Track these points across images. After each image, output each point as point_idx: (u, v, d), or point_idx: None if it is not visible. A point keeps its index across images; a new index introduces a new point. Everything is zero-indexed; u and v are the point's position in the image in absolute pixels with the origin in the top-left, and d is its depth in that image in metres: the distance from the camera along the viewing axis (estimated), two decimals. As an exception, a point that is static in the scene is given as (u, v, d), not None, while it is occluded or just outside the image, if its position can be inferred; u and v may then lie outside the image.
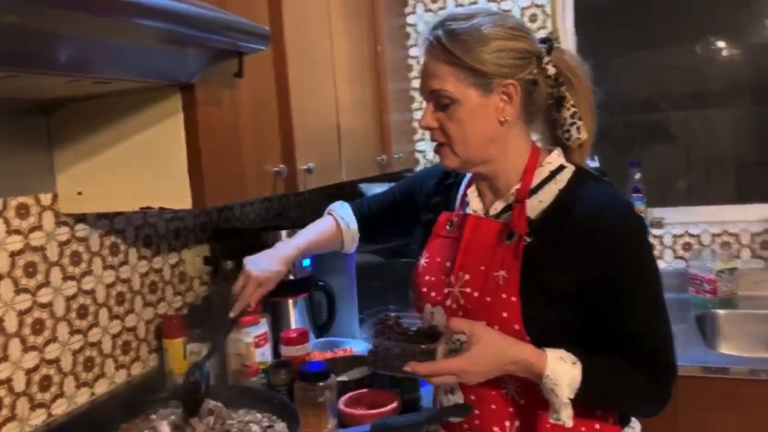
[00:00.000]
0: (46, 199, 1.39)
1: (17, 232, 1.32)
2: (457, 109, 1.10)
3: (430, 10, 2.69)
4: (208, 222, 1.92)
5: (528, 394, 1.10)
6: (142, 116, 1.30)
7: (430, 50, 1.12)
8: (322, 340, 1.88)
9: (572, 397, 1.02)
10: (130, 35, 0.98)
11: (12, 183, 1.31)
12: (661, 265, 2.38)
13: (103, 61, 1.02)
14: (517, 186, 1.14)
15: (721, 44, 2.56)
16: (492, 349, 1.04)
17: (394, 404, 1.42)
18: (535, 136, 1.19)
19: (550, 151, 1.16)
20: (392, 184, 2.36)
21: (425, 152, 2.75)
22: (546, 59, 1.11)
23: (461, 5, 2.65)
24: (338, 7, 1.96)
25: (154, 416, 1.33)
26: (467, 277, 1.14)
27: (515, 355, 1.04)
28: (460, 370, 1.05)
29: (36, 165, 1.37)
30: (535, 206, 1.11)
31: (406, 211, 1.39)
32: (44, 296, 1.38)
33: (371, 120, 2.24)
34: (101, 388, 1.52)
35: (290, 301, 1.81)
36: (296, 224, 1.87)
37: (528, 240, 1.09)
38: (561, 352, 1.04)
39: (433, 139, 1.17)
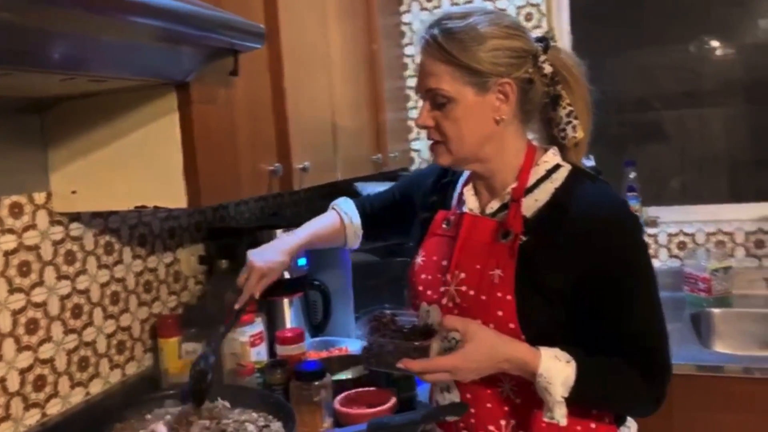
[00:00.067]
0: (40, 197, 1.38)
1: (11, 231, 1.32)
2: (454, 108, 1.10)
3: (425, 9, 2.69)
4: (203, 221, 1.91)
5: (524, 392, 1.10)
6: (137, 115, 1.30)
7: (427, 49, 1.12)
8: (317, 339, 1.88)
9: (566, 395, 1.02)
10: (126, 33, 0.98)
11: (5, 181, 1.31)
12: (656, 263, 2.38)
13: (98, 59, 1.01)
14: (513, 185, 1.14)
15: (714, 44, 2.56)
16: (485, 346, 1.04)
17: (391, 403, 1.42)
18: (531, 135, 1.19)
19: (546, 150, 1.16)
20: (387, 183, 2.37)
21: (420, 151, 2.75)
22: (542, 58, 1.11)
23: (457, 4, 2.65)
24: (333, 6, 1.96)
25: (149, 416, 1.33)
26: (463, 275, 1.14)
27: (509, 353, 1.04)
28: (454, 367, 1.05)
29: (30, 163, 1.37)
30: (530, 205, 1.11)
31: (405, 210, 1.39)
32: (38, 296, 1.37)
33: (366, 119, 2.23)
34: (96, 387, 1.51)
35: (286, 301, 1.81)
36: (291, 223, 1.86)
37: (524, 239, 1.09)
38: (555, 351, 1.04)
39: (429, 138, 1.17)
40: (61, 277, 1.42)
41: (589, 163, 1.21)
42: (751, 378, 1.73)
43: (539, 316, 1.07)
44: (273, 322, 1.78)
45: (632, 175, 2.40)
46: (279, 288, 1.53)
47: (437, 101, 1.11)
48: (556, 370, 1.02)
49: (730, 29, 2.54)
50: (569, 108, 1.13)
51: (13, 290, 1.31)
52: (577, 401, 1.04)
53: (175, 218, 1.79)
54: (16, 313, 1.32)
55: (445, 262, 1.19)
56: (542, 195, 1.11)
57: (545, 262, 1.07)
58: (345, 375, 1.59)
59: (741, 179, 2.57)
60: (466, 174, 1.25)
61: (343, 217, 1.48)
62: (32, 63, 0.92)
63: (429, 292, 1.20)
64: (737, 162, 2.58)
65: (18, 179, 1.34)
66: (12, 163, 1.33)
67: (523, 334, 1.06)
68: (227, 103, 1.40)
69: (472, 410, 1.14)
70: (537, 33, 1.16)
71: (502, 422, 1.13)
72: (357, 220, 1.48)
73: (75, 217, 1.46)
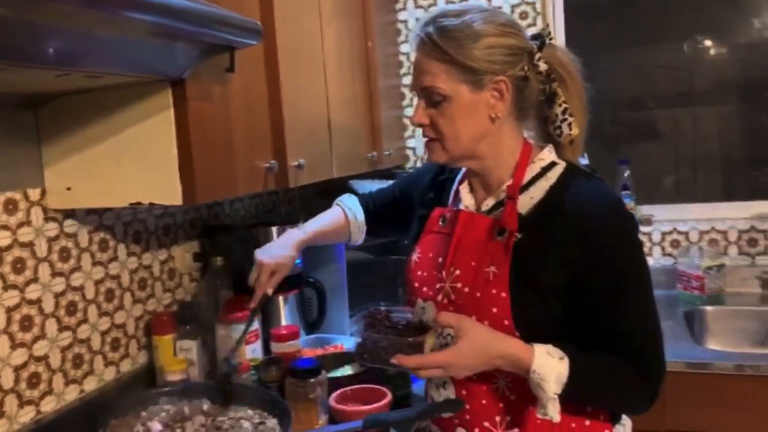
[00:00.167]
0: (34, 194, 1.37)
1: (5, 227, 1.31)
2: (449, 106, 1.10)
3: (420, 7, 2.69)
4: (198, 218, 1.91)
5: (518, 389, 1.11)
6: (133, 111, 1.29)
7: (422, 47, 1.12)
8: (312, 336, 1.88)
9: (559, 392, 1.03)
10: (121, 29, 0.98)
11: (0, 178, 1.30)
12: (650, 261, 2.38)
13: (94, 55, 1.01)
14: (509, 182, 1.14)
15: (708, 43, 2.58)
16: (479, 342, 1.05)
17: (386, 400, 1.42)
18: (527, 133, 1.20)
19: (542, 148, 1.16)
20: (382, 181, 2.38)
21: (416, 149, 2.75)
22: (537, 55, 1.11)
23: (452, 2, 2.65)
24: (329, 3, 1.96)
25: (144, 413, 1.32)
26: (458, 272, 1.15)
27: (502, 349, 1.05)
28: (447, 363, 1.05)
29: (24, 160, 1.36)
30: (526, 202, 1.12)
31: (405, 207, 1.40)
32: (33, 292, 1.36)
33: (362, 116, 2.23)
34: (90, 385, 1.51)
35: (281, 298, 1.81)
36: (286, 221, 1.87)
37: (519, 236, 1.09)
38: (548, 347, 1.05)
39: (424, 136, 1.17)
40: (55, 273, 1.42)
41: (583, 161, 1.21)
42: (744, 375, 1.74)
43: (533, 313, 1.08)
44: (268, 319, 1.78)
45: (626, 173, 2.41)
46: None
47: (432, 99, 1.11)
48: (549, 366, 1.03)
49: (723, 28, 2.55)
50: (564, 105, 1.14)
51: (7, 287, 1.31)
52: (570, 398, 1.05)
53: (170, 215, 1.79)
54: (10, 310, 1.31)
55: (440, 259, 1.19)
56: (537, 192, 1.12)
57: (540, 259, 1.07)
58: (340, 372, 1.59)
59: (734, 178, 2.58)
60: (463, 171, 1.26)
61: (347, 213, 1.50)
62: (28, 58, 0.91)
63: (424, 289, 1.21)
64: (731, 161, 2.59)
65: (12, 175, 1.33)
66: (6, 159, 1.32)
67: (518, 331, 1.07)
68: (223, 100, 1.39)
69: (467, 406, 1.15)
70: (532, 31, 1.16)
71: (497, 418, 1.13)
72: (361, 216, 1.51)
73: (69, 213, 1.45)
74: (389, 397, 1.44)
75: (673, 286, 2.34)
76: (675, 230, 2.45)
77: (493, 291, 1.09)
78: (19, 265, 1.33)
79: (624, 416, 1.21)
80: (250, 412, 1.30)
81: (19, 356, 1.33)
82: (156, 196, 1.31)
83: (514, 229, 1.09)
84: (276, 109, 1.61)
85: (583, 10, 2.58)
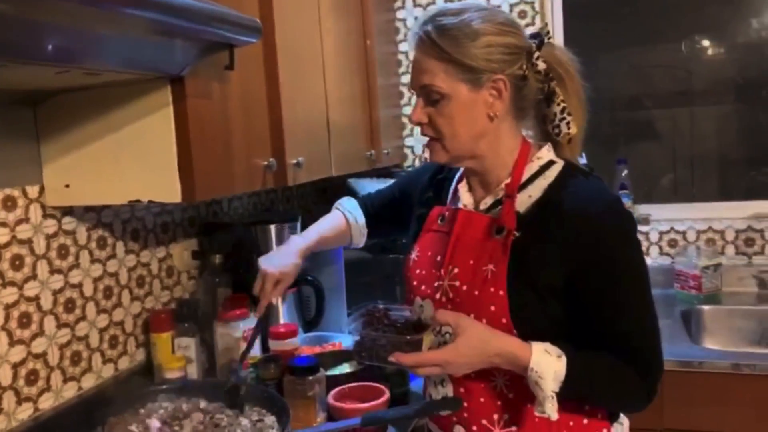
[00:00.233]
0: (33, 191, 1.38)
1: (3, 224, 1.31)
2: (447, 104, 1.10)
3: (419, 6, 2.70)
4: (196, 216, 1.91)
5: (517, 387, 1.11)
6: (132, 108, 1.30)
7: (420, 45, 1.12)
8: (310, 334, 1.88)
9: (557, 390, 1.03)
10: (121, 26, 0.98)
11: (-2, 175, 1.31)
12: (647, 261, 2.39)
13: (94, 52, 1.01)
14: (507, 181, 1.14)
15: (706, 43, 2.58)
16: (476, 340, 1.05)
17: (384, 398, 1.42)
18: (525, 132, 1.20)
19: (540, 147, 1.17)
20: (380, 179, 2.38)
21: (414, 147, 2.75)
22: (536, 55, 1.11)
23: (451, 0, 2.65)
24: (328, 2, 1.96)
25: (142, 410, 1.32)
26: (456, 270, 1.15)
27: (500, 347, 1.05)
28: (445, 361, 1.05)
29: (23, 157, 1.36)
30: (524, 201, 1.12)
31: (405, 207, 1.39)
32: (31, 289, 1.37)
33: (360, 115, 2.24)
34: (88, 382, 1.51)
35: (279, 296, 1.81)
36: (284, 219, 1.87)
37: (517, 234, 1.09)
38: (546, 345, 1.05)
39: (423, 134, 1.17)
40: (53, 271, 1.42)
41: (582, 161, 1.22)
42: (740, 374, 1.75)
43: (531, 312, 1.08)
44: (266, 317, 1.78)
45: (624, 173, 2.41)
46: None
47: (431, 98, 1.11)
48: (547, 364, 1.03)
49: (722, 28, 2.55)
50: (563, 104, 1.14)
51: (5, 284, 1.31)
52: (567, 396, 1.05)
53: (168, 213, 1.79)
54: (8, 307, 1.31)
55: (439, 258, 1.19)
56: (536, 191, 1.12)
57: (538, 257, 1.07)
58: (338, 370, 1.60)
59: (732, 178, 2.59)
60: (461, 170, 1.26)
61: (348, 216, 1.49)
62: (27, 55, 0.91)
63: (423, 287, 1.21)
64: (728, 161, 2.60)
65: (11, 172, 1.33)
66: (5, 156, 1.32)
67: (516, 329, 1.07)
68: (222, 97, 1.39)
69: (465, 404, 1.15)
70: (530, 30, 1.16)
71: (495, 416, 1.13)
72: (362, 219, 1.50)
73: (68, 210, 1.45)
74: (387, 394, 1.44)
75: (671, 285, 2.35)
76: (672, 230, 2.45)
77: (491, 289, 1.09)
78: (17, 262, 1.34)
79: (622, 415, 1.21)
80: (248, 409, 1.30)
81: (18, 353, 1.33)
82: (155, 193, 1.31)
83: (512, 228, 1.09)
84: (275, 107, 1.61)
85: (581, 9, 2.59)
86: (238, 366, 1.34)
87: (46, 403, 1.40)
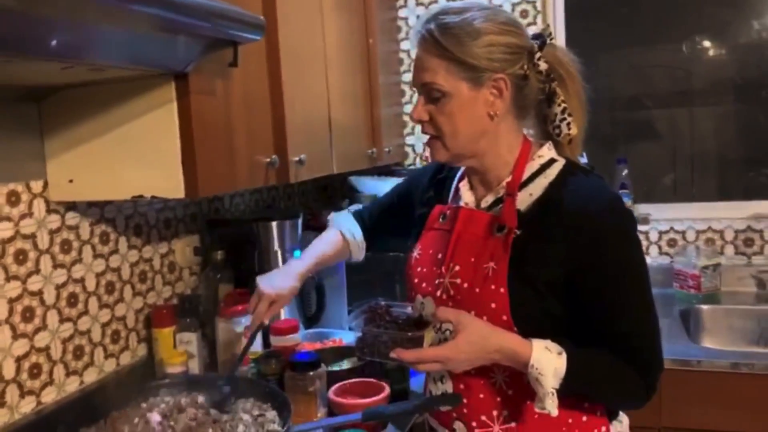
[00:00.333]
0: (36, 186, 1.38)
1: (7, 219, 1.32)
2: (448, 103, 1.11)
3: (421, 4, 2.70)
4: (199, 212, 1.92)
5: (516, 384, 1.12)
6: (135, 105, 1.30)
7: (422, 43, 1.13)
8: (311, 330, 1.89)
9: (557, 386, 1.04)
10: (126, 22, 0.98)
11: (3, 169, 1.31)
12: (647, 260, 2.41)
13: (99, 48, 1.02)
14: (508, 179, 1.15)
15: (707, 43, 2.59)
16: (476, 337, 1.05)
17: (384, 393, 1.43)
18: (526, 131, 1.21)
19: (541, 145, 1.17)
20: (381, 177, 2.38)
21: (415, 146, 2.76)
22: (538, 55, 1.12)
23: None
24: (331, 0, 1.97)
25: (144, 404, 1.33)
26: (457, 268, 1.15)
27: (500, 343, 1.05)
28: (445, 357, 1.06)
29: (27, 152, 1.37)
30: (525, 199, 1.13)
31: (404, 214, 1.39)
32: (34, 284, 1.37)
33: (362, 113, 2.24)
34: (90, 376, 1.52)
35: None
36: (286, 216, 1.88)
37: (518, 232, 1.10)
38: (547, 342, 1.06)
39: (423, 132, 1.18)
40: (57, 265, 1.43)
41: (582, 160, 1.22)
42: (739, 373, 1.76)
43: (532, 309, 1.08)
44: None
45: (624, 172, 2.42)
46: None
47: (432, 95, 1.12)
48: (548, 361, 1.03)
49: (722, 29, 2.56)
50: (564, 105, 1.14)
51: (9, 278, 1.32)
52: (567, 392, 1.05)
53: (170, 209, 1.79)
54: (12, 301, 1.32)
55: (440, 255, 1.20)
56: (536, 189, 1.13)
57: (538, 255, 1.08)
58: (339, 366, 1.60)
59: (731, 178, 2.60)
60: (462, 169, 1.26)
61: (345, 233, 1.49)
62: (33, 50, 0.92)
63: (424, 285, 1.22)
64: (728, 161, 2.61)
65: (15, 167, 1.34)
66: (10, 151, 1.33)
67: (516, 327, 1.08)
68: (225, 94, 1.40)
69: (465, 400, 1.16)
70: (532, 30, 1.17)
71: (494, 413, 1.14)
72: (359, 234, 1.50)
73: (71, 206, 1.46)
74: (387, 390, 1.45)
75: (670, 284, 2.36)
76: (672, 229, 2.46)
77: (492, 287, 1.10)
78: (21, 257, 1.34)
79: (621, 412, 1.22)
80: (249, 404, 1.31)
81: (21, 347, 1.34)
82: (158, 189, 1.32)
83: (513, 226, 1.10)
84: (277, 104, 1.62)
85: (583, 9, 2.59)
86: (231, 374, 1.33)
87: (49, 396, 1.41)
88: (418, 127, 1.19)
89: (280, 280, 1.38)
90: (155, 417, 1.27)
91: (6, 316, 1.31)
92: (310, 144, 1.78)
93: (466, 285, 1.13)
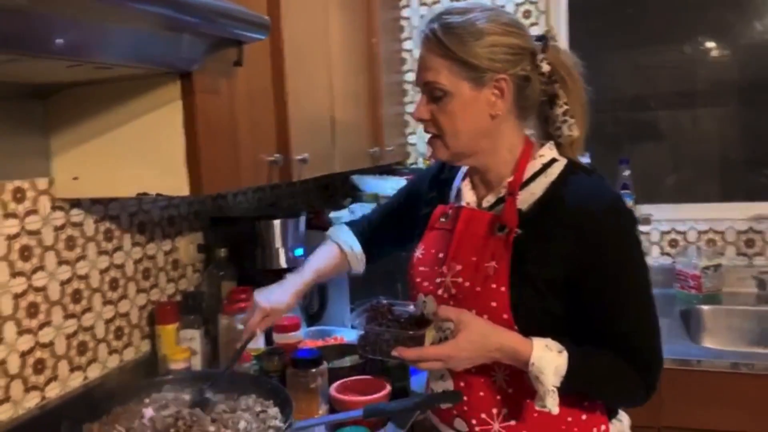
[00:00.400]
0: (42, 183, 1.39)
1: (13, 215, 1.33)
2: (450, 102, 1.12)
3: (424, 4, 2.70)
4: (202, 210, 1.93)
5: (516, 382, 1.12)
6: (140, 103, 1.31)
7: (426, 43, 1.13)
8: (313, 328, 1.90)
9: (557, 385, 1.04)
10: (132, 21, 0.99)
11: (8, 167, 1.32)
12: (648, 261, 2.40)
13: (105, 46, 1.03)
14: (510, 179, 1.15)
15: (710, 44, 2.59)
16: (477, 335, 1.06)
17: (385, 391, 1.44)
18: (528, 131, 1.21)
19: (543, 145, 1.18)
20: (383, 176, 2.39)
21: (417, 145, 2.76)
22: (540, 56, 1.12)
23: (456, -1, 2.66)
24: (335, 0, 1.98)
25: (147, 400, 1.34)
26: (459, 267, 1.16)
27: (500, 342, 1.06)
28: (446, 356, 1.07)
29: (33, 149, 1.38)
30: (526, 198, 1.13)
31: (407, 219, 1.38)
32: (39, 280, 1.39)
33: (365, 112, 2.25)
34: (94, 372, 1.53)
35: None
36: (288, 214, 1.89)
37: (519, 232, 1.10)
38: (547, 341, 1.06)
39: (425, 131, 1.18)
40: (61, 262, 1.44)
41: (585, 160, 1.23)
42: (739, 373, 1.76)
43: (532, 308, 1.09)
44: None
45: (626, 172, 2.42)
46: (277, 279, 1.55)
47: (434, 95, 1.13)
48: (548, 359, 1.04)
49: (725, 30, 2.56)
50: (566, 107, 1.15)
51: (14, 274, 1.33)
52: (568, 390, 1.06)
53: (174, 207, 1.81)
54: (17, 297, 1.33)
55: (442, 255, 1.21)
56: (538, 188, 1.13)
57: (539, 255, 1.09)
58: (340, 363, 1.61)
59: (733, 179, 2.60)
60: (464, 169, 1.27)
61: (342, 246, 1.48)
62: (40, 49, 0.93)
63: (426, 284, 1.22)
64: (730, 162, 2.61)
65: (21, 164, 1.35)
66: (15, 148, 1.34)
67: (516, 325, 1.08)
68: (229, 93, 1.41)
69: (466, 398, 1.17)
70: (535, 30, 1.18)
71: (494, 410, 1.15)
72: (357, 246, 1.48)
73: (76, 203, 1.47)
74: (388, 388, 1.46)
75: (671, 285, 2.36)
76: (673, 230, 2.47)
77: (493, 286, 1.10)
78: (26, 253, 1.36)
79: (622, 412, 1.22)
80: (251, 400, 1.32)
81: (25, 342, 1.36)
82: (163, 186, 1.33)
83: (513, 225, 1.10)
84: (281, 103, 1.63)
85: (586, 9, 2.60)
86: (205, 389, 1.31)
87: (53, 391, 1.42)
88: (421, 127, 1.20)
89: (276, 295, 1.38)
90: (149, 413, 1.27)
91: (11, 312, 1.32)
92: (313, 143, 1.79)
93: (467, 284, 1.14)
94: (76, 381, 1.48)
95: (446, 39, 1.10)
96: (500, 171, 1.17)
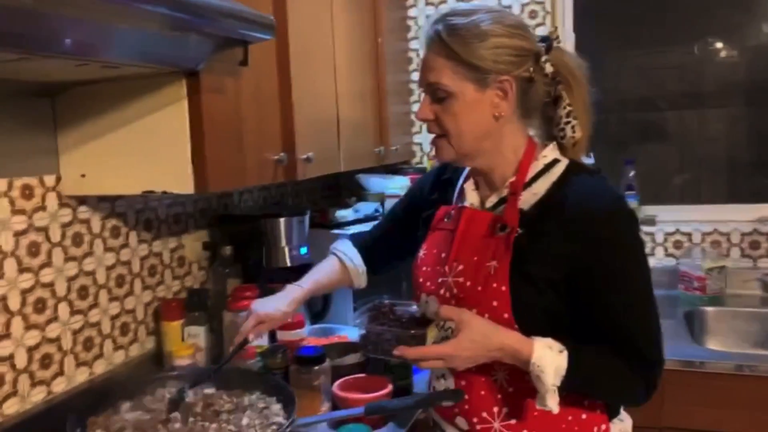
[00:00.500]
0: (50, 180, 1.41)
1: (21, 212, 1.35)
2: (453, 103, 1.12)
3: (431, 4, 2.71)
4: (208, 208, 1.94)
5: (517, 381, 1.13)
6: (147, 101, 1.33)
7: (430, 44, 1.14)
8: (317, 326, 1.91)
9: (558, 384, 1.05)
10: (139, 21, 1.01)
11: (17, 164, 1.34)
12: (652, 262, 2.39)
13: (112, 45, 1.04)
14: (512, 179, 1.16)
15: (718, 45, 2.58)
16: (478, 335, 1.07)
17: (387, 389, 1.45)
18: (533, 132, 1.22)
19: (545, 146, 1.18)
20: (388, 176, 2.40)
21: (422, 145, 2.77)
22: (544, 58, 1.13)
23: (462, 0, 2.66)
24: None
25: (151, 396, 1.35)
26: (460, 267, 1.17)
27: (501, 341, 1.07)
28: (447, 355, 1.07)
29: (41, 147, 1.40)
30: (528, 199, 1.14)
31: (412, 224, 1.38)
32: (46, 276, 1.40)
33: (370, 111, 2.26)
34: (100, 368, 1.55)
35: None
36: (293, 213, 1.90)
37: (520, 231, 1.11)
38: (548, 341, 1.07)
39: (429, 131, 1.19)
40: (68, 258, 1.46)
41: (589, 160, 1.23)
42: (741, 375, 1.76)
43: (533, 307, 1.10)
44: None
45: (631, 173, 2.42)
46: (281, 277, 1.57)
47: (437, 95, 1.13)
48: (549, 358, 1.05)
49: (733, 31, 2.55)
50: (569, 108, 1.15)
51: (22, 270, 1.35)
52: (568, 390, 1.07)
53: (180, 204, 1.82)
54: (24, 292, 1.35)
55: (444, 255, 1.21)
56: (540, 189, 1.14)
57: (540, 254, 1.09)
58: (343, 361, 1.62)
59: (739, 180, 2.59)
60: (466, 170, 1.28)
61: (343, 259, 1.49)
62: (49, 48, 0.95)
63: (428, 284, 1.23)
64: (736, 163, 2.60)
65: (29, 162, 1.37)
66: (24, 146, 1.36)
67: (517, 324, 1.09)
68: (235, 92, 1.42)
69: (467, 397, 1.17)
70: (541, 30, 1.18)
71: (495, 409, 1.15)
72: (358, 260, 1.49)
73: (83, 200, 1.49)
74: (390, 386, 1.47)
75: (675, 286, 2.36)
76: (678, 231, 2.46)
77: (494, 285, 1.11)
78: (33, 249, 1.37)
79: (624, 412, 1.23)
80: (254, 396, 1.33)
81: (32, 338, 1.37)
82: (169, 184, 1.35)
83: (514, 225, 1.11)
84: (286, 102, 1.64)
85: (592, 10, 2.59)
86: (185, 388, 1.31)
87: (59, 386, 1.44)
88: (426, 126, 1.21)
89: (273, 303, 1.40)
90: (128, 416, 1.27)
91: (19, 307, 1.34)
92: (318, 142, 1.80)
93: (468, 284, 1.15)
94: (82, 376, 1.49)
95: (450, 40, 1.11)
96: (503, 171, 1.18)
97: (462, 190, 1.26)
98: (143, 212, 1.68)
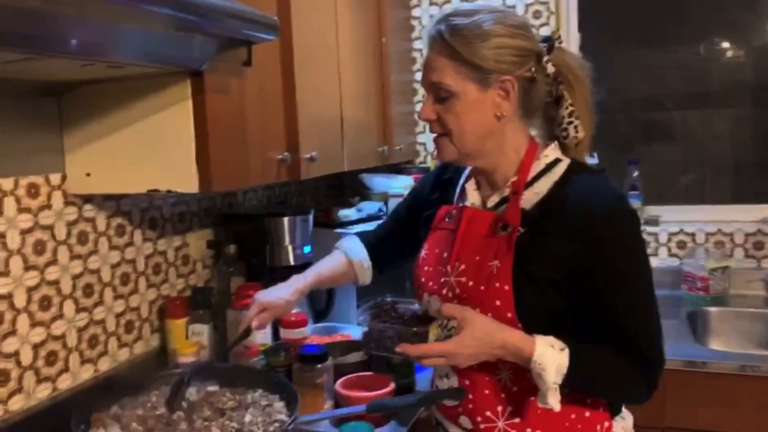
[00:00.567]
0: (55, 179, 1.42)
1: (27, 210, 1.36)
2: (455, 103, 1.13)
3: (435, 4, 2.71)
4: (212, 207, 1.95)
5: (520, 381, 1.13)
6: (152, 101, 1.34)
7: (432, 44, 1.15)
8: (320, 325, 1.92)
9: (559, 382, 1.05)
10: (143, 21, 1.02)
11: (23, 163, 1.35)
12: (655, 262, 2.41)
13: (117, 46, 1.05)
14: (514, 179, 1.16)
15: (724, 45, 2.57)
16: (480, 332, 1.07)
17: (389, 387, 1.45)
18: (535, 132, 1.22)
19: (547, 145, 1.18)
20: (392, 175, 2.40)
21: (426, 144, 2.78)
22: (545, 58, 1.13)
23: (466, 0, 2.67)
24: (345, -1, 1.99)
25: (156, 393, 1.36)
26: (463, 266, 1.17)
27: (503, 339, 1.07)
28: (449, 352, 1.08)
29: (46, 146, 1.41)
30: (530, 198, 1.14)
31: (415, 223, 1.38)
32: (52, 274, 1.41)
33: (374, 111, 2.26)
34: (104, 365, 1.56)
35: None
36: (297, 212, 1.91)
37: (522, 230, 1.11)
38: (550, 339, 1.07)
39: (431, 131, 1.20)
40: (73, 256, 1.47)
41: (593, 160, 1.23)
42: (744, 375, 1.76)
43: (535, 306, 1.10)
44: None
45: (635, 173, 2.42)
46: (285, 275, 1.57)
47: (440, 95, 1.14)
48: (550, 356, 1.05)
49: (740, 31, 2.54)
50: (571, 108, 1.15)
51: (28, 267, 1.36)
52: (570, 388, 1.07)
53: (185, 203, 1.83)
54: (30, 290, 1.36)
55: (446, 255, 1.22)
56: (542, 188, 1.14)
57: (542, 253, 1.10)
58: (346, 360, 1.63)
59: (744, 181, 2.59)
60: (468, 169, 1.28)
61: (349, 255, 1.49)
62: (55, 48, 0.96)
63: (430, 283, 1.23)
64: (741, 163, 2.59)
65: (35, 161, 1.38)
66: (30, 144, 1.37)
67: (520, 323, 1.09)
68: (239, 92, 1.43)
69: (470, 396, 1.17)
70: (545, 30, 1.19)
71: (499, 408, 1.16)
72: (364, 255, 1.50)
73: (88, 198, 1.50)
74: (393, 384, 1.47)
75: (678, 286, 2.36)
76: (682, 231, 2.46)
77: (497, 284, 1.11)
78: (39, 247, 1.38)
79: (625, 410, 1.23)
80: (257, 394, 1.34)
81: (38, 335, 1.38)
82: (173, 183, 1.36)
83: (516, 224, 1.11)
84: (290, 102, 1.65)
85: (597, 9, 2.59)
86: (186, 374, 1.31)
87: (64, 383, 1.45)
88: (428, 126, 1.21)
89: (276, 292, 1.41)
90: (115, 429, 1.27)
91: (24, 305, 1.35)
92: (322, 141, 1.81)
93: (471, 283, 1.15)
94: (87, 373, 1.51)
95: (452, 40, 1.11)
96: (505, 171, 1.18)
97: (463, 189, 1.27)
98: (148, 211, 1.69)
